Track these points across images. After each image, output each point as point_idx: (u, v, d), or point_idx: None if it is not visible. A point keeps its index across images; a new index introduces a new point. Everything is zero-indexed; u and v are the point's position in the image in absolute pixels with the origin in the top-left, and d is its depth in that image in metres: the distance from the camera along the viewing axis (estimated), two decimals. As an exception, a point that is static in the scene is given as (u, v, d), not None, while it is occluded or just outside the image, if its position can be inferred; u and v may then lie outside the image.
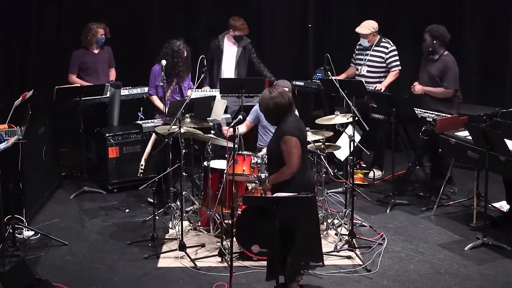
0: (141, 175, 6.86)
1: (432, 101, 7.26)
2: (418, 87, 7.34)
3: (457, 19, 8.78)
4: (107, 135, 7.50)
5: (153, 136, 6.92)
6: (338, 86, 6.46)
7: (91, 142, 7.94)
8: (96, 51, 8.08)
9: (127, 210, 7.10)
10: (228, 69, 8.25)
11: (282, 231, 4.78)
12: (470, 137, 6.35)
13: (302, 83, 8.24)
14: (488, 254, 6.04)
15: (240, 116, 5.28)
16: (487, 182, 6.12)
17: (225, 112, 7.48)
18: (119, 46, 8.38)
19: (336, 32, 9.08)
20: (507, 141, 5.98)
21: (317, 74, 8.27)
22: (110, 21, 8.19)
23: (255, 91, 7.66)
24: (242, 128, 6.63)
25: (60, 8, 8.86)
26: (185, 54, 7.03)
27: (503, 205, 6.87)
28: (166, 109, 6.77)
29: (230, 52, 8.25)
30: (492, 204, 6.84)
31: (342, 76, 7.87)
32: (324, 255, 5.91)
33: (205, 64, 6.35)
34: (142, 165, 6.84)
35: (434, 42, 7.23)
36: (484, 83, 8.92)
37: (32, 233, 6.36)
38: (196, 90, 7.61)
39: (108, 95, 7.86)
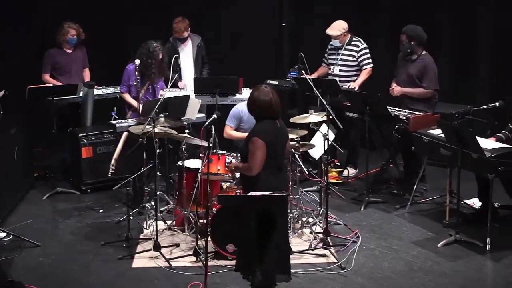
0: (111, 175, 6.82)
1: (411, 101, 7.29)
2: (397, 89, 7.35)
3: (432, 18, 8.85)
4: (80, 135, 7.45)
5: (124, 135, 6.88)
6: (312, 85, 6.48)
7: (65, 142, 7.88)
8: (69, 51, 8.02)
9: (101, 211, 7.06)
10: (187, 69, 8.19)
11: (256, 231, 4.78)
12: (442, 135, 6.41)
13: (276, 82, 8.25)
14: (461, 250, 6.10)
15: (215, 115, 5.28)
16: (460, 180, 6.19)
17: (200, 111, 7.47)
18: (93, 45, 8.32)
19: (310, 32, 9.11)
20: (479, 138, 6.05)
21: (291, 73, 8.29)
22: (84, 21, 8.14)
23: (230, 90, 7.66)
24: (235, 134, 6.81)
25: (35, 7, 8.75)
26: (160, 57, 7.01)
27: (475, 202, 6.94)
28: (140, 109, 6.74)
29: (186, 53, 8.20)
30: (465, 201, 6.92)
31: (314, 75, 7.89)
32: (299, 253, 5.96)
33: (179, 63, 6.32)
34: (112, 164, 6.79)
35: (412, 43, 7.27)
36: (457, 81, 9.02)
37: (4, 234, 6.30)
38: (170, 90, 7.59)
39: (81, 95, 7.81)
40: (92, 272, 5.77)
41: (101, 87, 8.01)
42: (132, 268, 5.83)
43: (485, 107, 6.95)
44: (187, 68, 8.20)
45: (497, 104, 6.88)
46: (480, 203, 6.77)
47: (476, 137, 6.01)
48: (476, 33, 8.86)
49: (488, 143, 6.26)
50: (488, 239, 6.06)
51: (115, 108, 7.59)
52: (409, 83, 7.31)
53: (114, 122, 7.31)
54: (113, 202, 7.24)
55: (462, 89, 8.94)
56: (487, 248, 6.05)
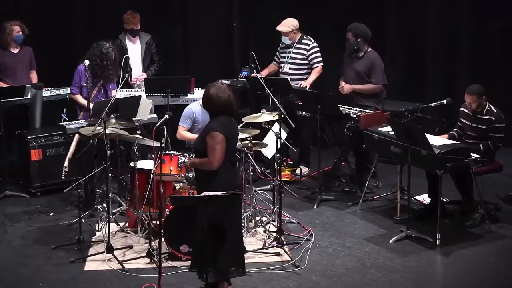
0: (64, 177, 6.72)
1: (360, 98, 7.37)
2: (346, 87, 7.41)
3: (380, 17, 8.97)
4: (29, 137, 7.31)
5: (76, 136, 6.80)
6: (263, 84, 6.50)
7: (13, 144, 7.72)
8: (15, 51, 7.86)
9: (51, 214, 6.94)
10: (135, 67, 8.11)
11: (210, 230, 4.78)
12: (393, 133, 6.50)
13: (228, 82, 8.23)
14: (411, 246, 6.20)
15: (166, 116, 5.25)
16: (410, 176, 6.29)
17: (152, 112, 7.41)
18: (41, 46, 8.18)
19: (261, 31, 9.14)
20: (427, 135, 6.16)
21: (243, 73, 8.30)
22: (33, 20, 7.98)
23: (182, 90, 7.63)
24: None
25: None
26: (114, 57, 6.95)
27: (425, 198, 7.06)
28: (91, 110, 6.66)
29: (134, 50, 8.13)
30: (415, 197, 7.03)
31: (264, 73, 7.90)
32: (253, 253, 5.97)
33: (129, 63, 6.27)
34: (65, 166, 6.70)
35: (358, 40, 7.36)
36: (406, 80, 9.16)
37: (-49, 240, 6.15)
38: (122, 90, 7.52)
39: (29, 96, 7.67)
40: (43, 277, 5.67)
41: (49, 89, 7.87)
42: (84, 271, 5.75)
43: (433, 104, 7.09)
44: (135, 65, 8.14)
45: (444, 101, 7.02)
46: (430, 199, 6.89)
47: (425, 134, 6.12)
48: (424, 32, 9.02)
49: (437, 140, 6.38)
50: (438, 234, 6.17)
51: (64, 109, 7.48)
52: (357, 80, 7.40)
53: (64, 123, 7.21)
54: (64, 204, 7.12)
55: (410, 87, 9.09)
56: (437, 243, 6.16)
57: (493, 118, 6.56)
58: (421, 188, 7.05)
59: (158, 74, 8.19)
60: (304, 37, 7.91)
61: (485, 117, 6.59)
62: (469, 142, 6.63)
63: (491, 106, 6.63)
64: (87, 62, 6.75)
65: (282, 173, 6.98)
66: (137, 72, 8.08)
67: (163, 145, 5.31)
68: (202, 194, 4.92)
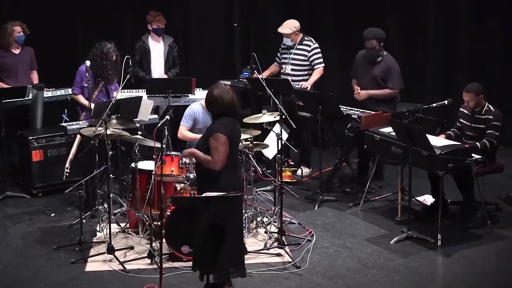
0: (66, 178, 6.73)
1: (373, 103, 7.28)
2: (362, 93, 7.30)
3: (378, 19, 8.96)
4: (30, 138, 7.32)
5: (78, 137, 6.81)
6: (265, 84, 6.51)
7: (13, 145, 7.73)
8: (17, 51, 7.85)
9: (52, 214, 6.94)
10: (158, 68, 8.17)
11: (211, 231, 4.79)
12: (393, 133, 6.50)
13: (229, 82, 8.22)
14: (412, 247, 6.20)
15: (167, 117, 5.25)
16: (411, 177, 6.29)
17: (153, 112, 7.42)
18: (42, 46, 8.18)
19: (261, 32, 9.14)
20: (428, 136, 6.16)
21: (244, 73, 8.31)
22: (33, 21, 7.98)
23: (182, 91, 7.63)
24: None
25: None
26: (114, 58, 6.96)
27: (426, 199, 7.06)
28: (92, 111, 6.67)
29: (157, 51, 8.20)
30: (416, 198, 7.03)
31: (265, 73, 7.91)
32: (254, 253, 5.97)
33: (131, 64, 6.27)
34: (67, 167, 6.71)
35: (381, 44, 7.29)
36: (405, 79, 9.14)
37: (-48, 241, 6.15)
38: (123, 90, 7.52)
39: (30, 97, 7.67)
40: (44, 277, 5.67)
41: (50, 89, 7.88)
42: (85, 272, 5.75)
43: (434, 105, 7.09)
44: (158, 65, 8.16)
45: (445, 102, 7.02)
46: (432, 200, 6.89)
47: (426, 134, 6.12)
48: (424, 34, 9.02)
49: (438, 141, 6.38)
50: (439, 235, 6.17)
51: (65, 110, 7.48)
52: (372, 85, 7.29)
53: (65, 124, 7.21)
54: (65, 205, 7.13)
55: (410, 87, 9.08)
56: (438, 244, 6.16)
57: (491, 117, 6.56)
58: (422, 189, 7.05)
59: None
60: (305, 38, 7.91)
61: (484, 117, 6.59)
62: (469, 142, 6.62)
63: (490, 106, 6.63)
64: (88, 62, 6.75)
65: (283, 174, 6.98)
66: (159, 73, 8.11)
67: (164, 146, 5.31)
68: (203, 194, 4.93)
